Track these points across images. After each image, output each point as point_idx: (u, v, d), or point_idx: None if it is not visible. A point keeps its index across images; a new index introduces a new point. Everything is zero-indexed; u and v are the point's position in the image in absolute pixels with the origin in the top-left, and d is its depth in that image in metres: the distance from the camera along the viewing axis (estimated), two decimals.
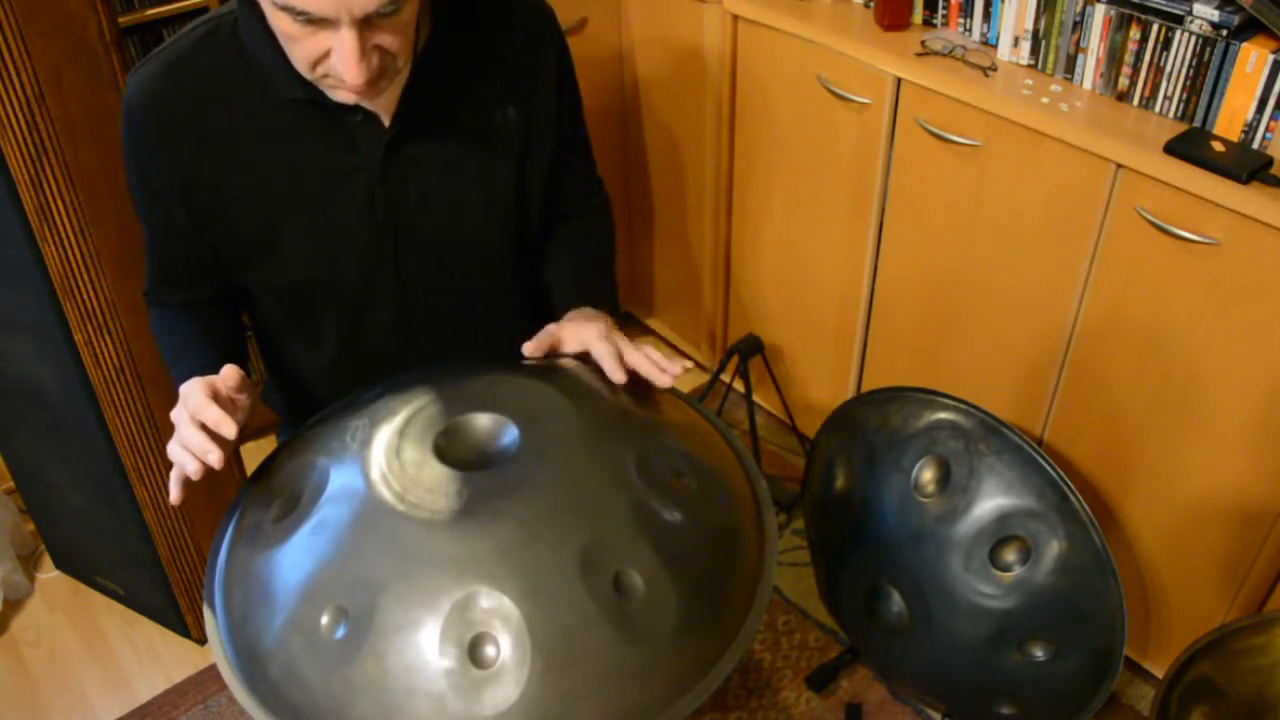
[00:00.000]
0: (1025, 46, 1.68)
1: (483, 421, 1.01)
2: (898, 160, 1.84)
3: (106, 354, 1.69)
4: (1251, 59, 1.41)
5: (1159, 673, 1.90)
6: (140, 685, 2.01)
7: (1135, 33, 1.52)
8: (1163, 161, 1.47)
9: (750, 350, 2.22)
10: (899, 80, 1.75)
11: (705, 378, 2.58)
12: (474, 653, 0.86)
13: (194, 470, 0.98)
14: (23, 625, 2.13)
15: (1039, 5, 1.62)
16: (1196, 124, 1.51)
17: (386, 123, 1.11)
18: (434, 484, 0.94)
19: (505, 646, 0.85)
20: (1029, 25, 1.65)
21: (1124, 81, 1.57)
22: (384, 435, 0.99)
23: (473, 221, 1.20)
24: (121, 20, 1.96)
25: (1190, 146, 1.46)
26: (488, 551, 0.89)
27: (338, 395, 1.17)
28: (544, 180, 1.25)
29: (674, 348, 2.72)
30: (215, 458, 0.98)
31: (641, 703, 0.87)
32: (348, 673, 0.86)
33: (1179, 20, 1.47)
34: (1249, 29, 1.44)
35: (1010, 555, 1.62)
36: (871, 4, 1.87)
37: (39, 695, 2.00)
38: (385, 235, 1.17)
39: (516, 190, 1.22)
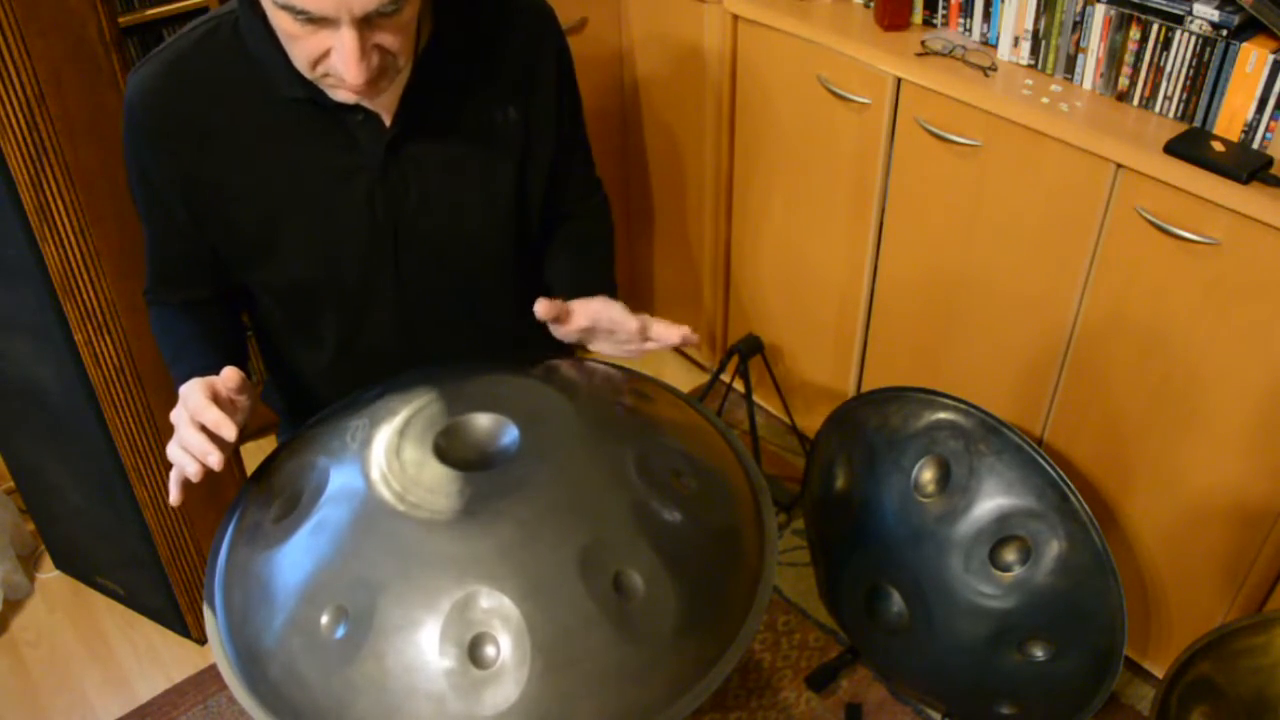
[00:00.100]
0: (1025, 46, 1.68)
1: (483, 421, 1.01)
2: (898, 160, 1.84)
3: (106, 354, 1.69)
4: (1251, 59, 1.41)
5: (1159, 673, 1.90)
6: (140, 685, 2.01)
7: (1135, 33, 1.52)
8: (1163, 161, 1.47)
9: (750, 350, 2.22)
10: (899, 80, 1.75)
11: (705, 378, 2.58)
12: (474, 653, 0.86)
13: (194, 472, 0.98)
14: (23, 625, 2.13)
15: (1039, 5, 1.62)
16: (1196, 124, 1.51)
17: (387, 122, 1.11)
18: (434, 484, 0.94)
19: (505, 646, 0.85)
20: (1029, 25, 1.65)
21: (1124, 81, 1.57)
22: (384, 435, 0.99)
23: (473, 221, 1.20)
24: (121, 20, 1.96)
25: (1190, 146, 1.46)
26: (488, 551, 0.89)
27: (338, 395, 1.17)
28: (544, 180, 1.25)
29: (674, 348, 2.72)
30: (215, 459, 0.98)
31: (641, 703, 0.87)
32: (348, 673, 0.86)
33: (1179, 20, 1.47)
34: (1249, 29, 1.44)
35: (1010, 555, 1.62)
36: (871, 4, 1.87)
37: (39, 695, 2.00)
38: (385, 235, 1.17)
39: (517, 190, 1.22)
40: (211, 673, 2.01)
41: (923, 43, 1.76)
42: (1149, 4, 1.50)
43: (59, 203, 1.54)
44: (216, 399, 1.01)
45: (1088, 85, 1.62)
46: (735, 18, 1.99)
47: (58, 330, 1.66)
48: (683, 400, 1.18)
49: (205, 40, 1.09)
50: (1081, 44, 1.60)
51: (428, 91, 1.12)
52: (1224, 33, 1.43)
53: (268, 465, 1.09)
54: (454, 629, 0.86)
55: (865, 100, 1.83)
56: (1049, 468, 1.58)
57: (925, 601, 1.68)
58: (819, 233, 2.07)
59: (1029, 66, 1.69)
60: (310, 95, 1.07)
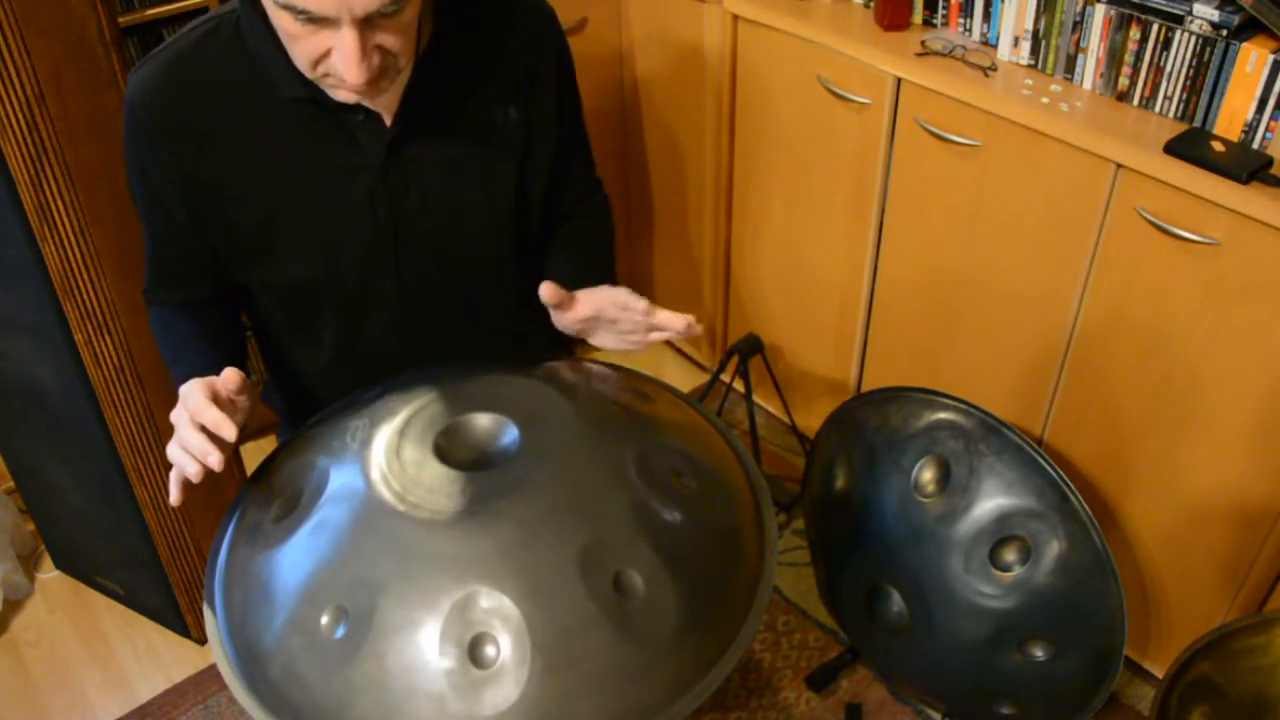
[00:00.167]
0: (1025, 46, 1.68)
1: (483, 421, 1.01)
2: (898, 160, 1.84)
3: (106, 354, 1.69)
4: (1251, 59, 1.41)
5: (1159, 673, 1.90)
6: (140, 685, 2.01)
7: (1135, 33, 1.52)
8: (1163, 161, 1.47)
9: (750, 350, 2.22)
10: (899, 80, 1.75)
11: (705, 378, 2.58)
12: (474, 653, 0.86)
13: (194, 472, 0.98)
14: (23, 625, 2.13)
15: (1039, 5, 1.62)
16: (1196, 124, 1.51)
17: (388, 122, 1.11)
18: (434, 484, 0.94)
19: (505, 646, 0.85)
20: (1029, 25, 1.65)
21: (1124, 81, 1.57)
22: (384, 435, 0.99)
23: (473, 221, 1.20)
24: (121, 20, 1.96)
25: (1190, 146, 1.46)
26: (488, 551, 0.89)
27: (338, 395, 1.17)
28: (544, 180, 1.25)
29: (674, 347, 2.72)
30: (215, 460, 0.98)
31: (641, 703, 0.87)
32: (348, 673, 0.86)
33: (1179, 20, 1.47)
34: (1249, 29, 1.44)
35: (1010, 555, 1.62)
36: (871, 4, 1.87)
37: (39, 695, 2.00)
38: (386, 235, 1.17)
39: (517, 190, 1.22)
40: (211, 673, 2.01)
41: (923, 43, 1.76)
42: (1149, 4, 1.50)
43: (59, 203, 1.54)
44: (217, 399, 1.01)
45: (1088, 85, 1.62)
46: (735, 18, 1.99)
47: (58, 330, 1.66)
48: (683, 400, 1.18)
49: (205, 40, 1.09)
50: (1081, 44, 1.60)
51: (428, 91, 1.12)
52: (1224, 33, 1.43)
53: (268, 465, 1.09)
54: (454, 629, 0.86)
55: (865, 100, 1.83)
56: (1049, 468, 1.58)
57: (925, 601, 1.68)
58: (819, 233, 2.07)
59: (1029, 66, 1.69)
60: (311, 95, 1.07)
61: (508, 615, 0.86)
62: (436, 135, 1.14)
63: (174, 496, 1.00)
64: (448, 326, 1.28)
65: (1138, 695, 1.91)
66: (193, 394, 1.01)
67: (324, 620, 0.89)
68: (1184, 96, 1.51)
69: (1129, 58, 1.55)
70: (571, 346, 1.44)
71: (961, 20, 1.77)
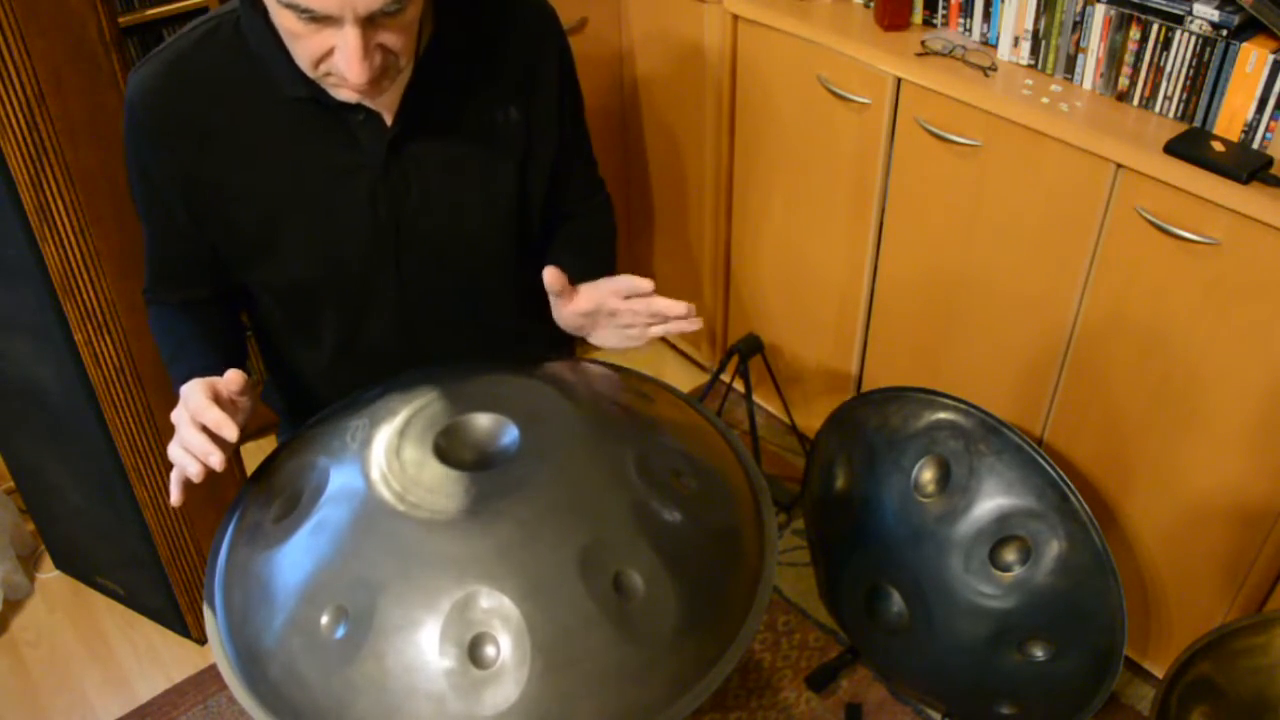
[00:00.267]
0: (1025, 46, 1.68)
1: (483, 421, 1.01)
2: (898, 160, 1.84)
3: (106, 354, 1.69)
4: (1251, 59, 1.41)
5: (1159, 673, 1.90)
6: (140, 685, 2.01)
7: (1135, 33, 1.52)
8: (1163, 161, 1.47)
9: (750, 350, 2.22)
10: (899, 80, 1.75)
11: (705, 378, 2.58)
12: (474, 653, 0.86)
13: (195, 472, 0.98)
14: (23, 625, 2.13)
15: (1039, 5, 1.62)
16: (1196, 124, 1.51)
17: (389, 122, 1.11)
18: (434, 484, 0.94)
19: (505, 646, 0.85)
20: (1029, 25, 1.65)
21: (1124, 81, 1.57)
22: (384, 435, 0.99)
23: (474, 221, 1.20)
24: (121, 20, 1.96)
25: (1190, 146, 1.46)
26: (488, 551, 0.89)
27: (338, 395, 1.17)
28: (545, 180, 1.25)
29: (674, 347, 2.72)
30: (216, 459, 0.98)
31: (641, 703, 0.87)
32: (348, 673, 0.86)
33: (1179, 20, 1.47)
34: (1249, 29, 1.44)
35: (1010, 555, 1.62)
36: (871, 4, 1.87)
37: (39, 695, 2.00)
38: (387, 234, 1.17)
39: (518, 190, 1.22)
40: (211, 673, 2.01)
41: (923, 43, 1.76)
42: (1149, 4, 1.50)
43: (59, 203, 1.54)
44: (218, 399, 1.01)
45: (1088, 85, 1.62)
46: (735, 17, 1.99)
47: (58, 330, 1.66)
48: (683, 400, 1.18)
49: (206, 40, 1.09)
50: (1081, 44, 1.60)
51: (429, 91, 1.12)
52: (1224, 33, 1.43)
53: (268, 465, 1.09)
54: (454, 629, 0.86)
55: (865, 100, 1.83)
56: (1049, 468, 1.58)
57: (925, 601, 1.68)
58: (819, 233, 2.07)
59: (1029, 66, 1.69)
60: (312, 94, 1.07)
61: (508, 615, 0.86)
62: (437, 135, 1.14)
63: (175, 496, 1.00)
64: (448, 326, 1.28)
65: (1138, 695, 1.91)
66: (194, 394, 1.01)
67: (324, 620, 0.89)
68: (1184, 96, 1.51)
69: (1129, 58, 1.55)
70: (572, 346, 1.44)
71: (961, 20, 1.77)
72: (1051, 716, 1.66)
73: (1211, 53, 1.45)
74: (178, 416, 1.02)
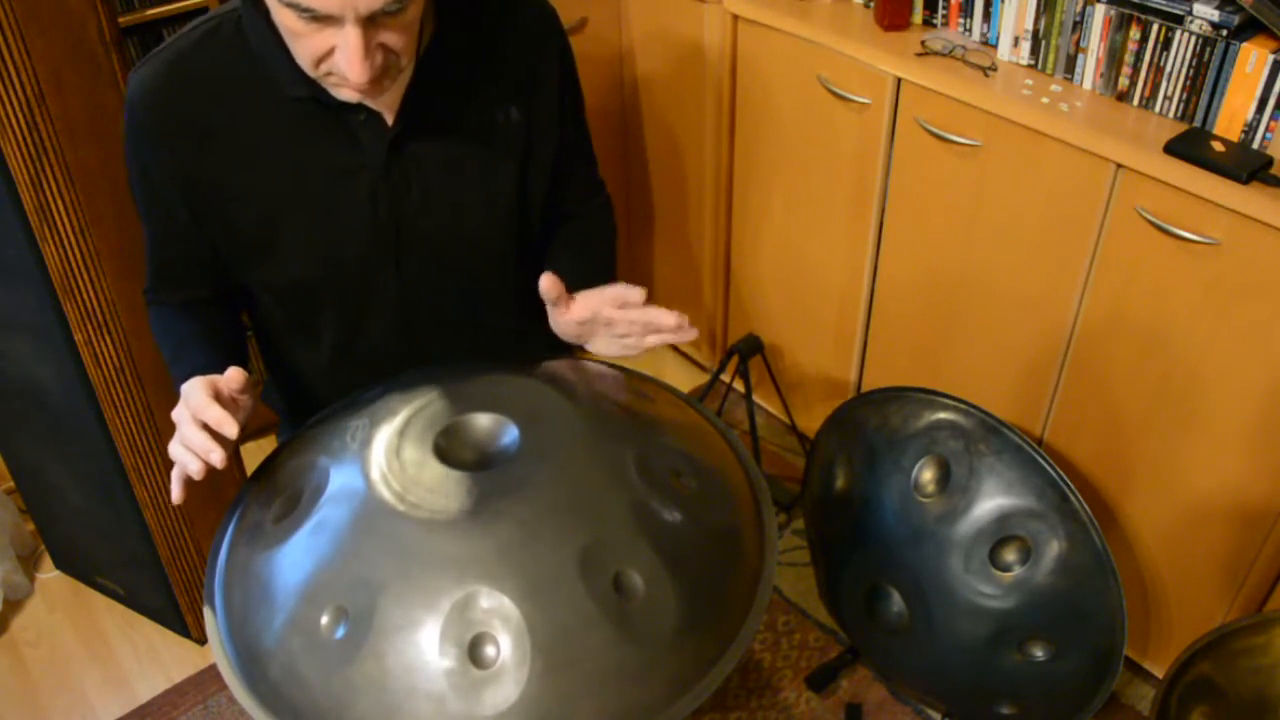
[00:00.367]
0: (1025, 46, 1.68)
1: (483, 421, 1.01)
2: (898, 160, 1.84)
3: (106, 354, 1.69)
4: (1251, 59, 1.41)
5: (1159, 673, 1.90)
6: (140, 685, 2.01)
7: (1135, 33, 1.52)
8: (1163, 161, 1.47)
9: (750, 350, 2.22)
10: (899, 80, 1.75)
11: (705, 378, 2.58)
12: (474, 653, 0.86)
13: (196, 470, 0.98)
14: (23, 625, 2.13)
15: (1039, 5, 1.62)
16: (1196, 124, 1.51)
17: (390, 121, 1.11)
18: (434, 484, 0.94)
19: (505, 646, 0.85)
20: (1029, 25, 1.65)
21: (1124, 81, 1.57)
22: (384, 435, 0.99)
23: (474, 221, 1.21)
24: (121, 20, 1.96)
25: (1190, 146, 1.46)
26: (488, 551, 0.89)
27: (338, 395, 1.17)
28: (546, 180, 1.25)
29: (674, 348, 2.72)
30: (218, 457, 0.98)
31: (641, 703, 0.87)
32: (348, 673, 0.86)
33: (1179, 20, 1.47)
34: (1249, 29, 1.44)
35: (1010, 555, 1.62)
36: (871, 4, 1.87)
37: (39, 695, 2.00)
38: (387, 234, 1.17)
39: (518, 190, 1.22)
40: (211, 673, 2.01)
41: (923, 43, 1.76)
42: (1149, 4, 1.50)
43: (59, 203, 1.54)
44: (219, 397, 1.01)
45: (1088, 85, 1.62)
46: (735, 17, 1.99)
47: (58, 330, 1.66)
48: (683, 400, 1.18)
49: (206, 39, 1.09)
50: (1081, 44, 1.60)
51: (430, 91, 1.12)
52: (1224, 33, 1.43)
53: (268, 465, 1.09)
54: (454, 629, 0.86)
55: (865, 100, 1.83)
56: (1049, 468, 1.58)
57: (925, 601, 1.68)
58: (819, 233, 2.07)
59: (1029, 66, 1.69)
60: (313, 94, 1.07)
61: (508, 615, 0.86)
62: (438, 135, 1.14)
63: (176, 494, 1.00)
64: (448, 326, 1.28)
65: (1138, 695, 1.91)
66: (195, 392, 1.01)
67: (324, 620, 0.89)
68: (1184, 96, 1.51)
69: (1129, 58, 1.55)
70: (571, 347, 1.44)
71: (961, 20, 1.77)
72: (1051, 716, 1.66)
73: (1211, 53, 1.45)
74: (179, 414, 1.02)
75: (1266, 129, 1.44)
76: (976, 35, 1.76)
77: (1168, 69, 1.51)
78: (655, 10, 2.19)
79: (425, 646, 0.85)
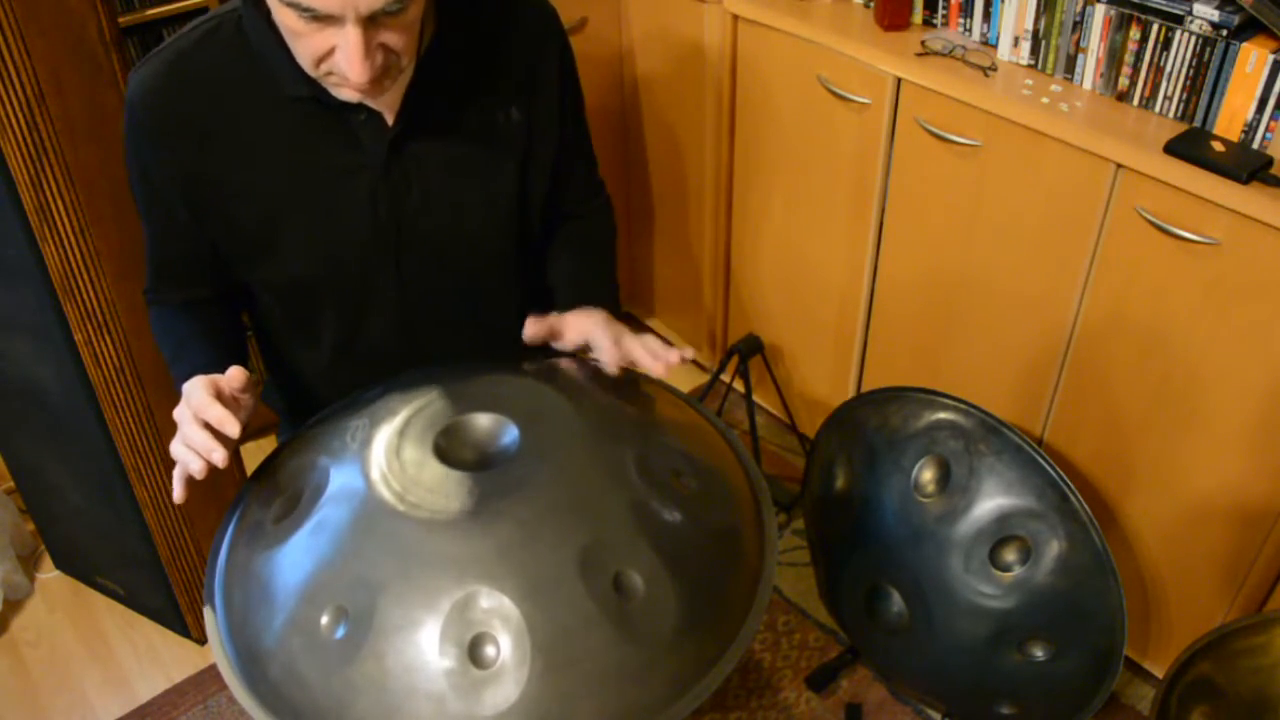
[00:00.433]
0: (1025, 46, 1.68)
1: (483, 421, 1.01)
2: (898, 160, 1.84)
3: (106, 354, 1.69)
4: (1251, 59, 1.41)
5: (1159, 673, 1.90)
6: (140, 685, 2.01)
7: (1135, 33, 1.52)
8: (1163, 161, 1.47)
9: (750, 350, 2.22)
10: (899, 80, 1.75)
11: (705, 378, 2.58)
12: (474, 653, 0.86)
13: (198, 469, 0.98)
14: (23, 625, 2.13)
15: (1039, 5, 1.62)
16: (1196, 124, 1.51)
17: (390, 121, 1.11)
18: (434, 484, 0.94)
19: (505, 646, 0.85)
20: (1029, 25, 1.65)
21: (1124, 81, 1.58)
22: (384, 435, 0.99)
23: (474, 221, 1.21)
24: (121, 20, 1.96)
25: (1190, 146, 1.46)
26: (488, 551, 0.89)
27: (338, 395, 1.17)
28: (546, 181, 1.25)
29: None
30: (220, 456, 0.98)
31: (641, 703, 0.87)
32: (348, 673, 0.86)
33: (1179, 20, 1.47)
34: (1249, 29, 1.44)
35: (1010, 555, 1.62)
36: (871, 4, 1.87)
37: (39, 695, 2.00)
38: (387, 234, 1.17)
39: (519, 190, 1.22)
40: (211, 673, 2.01)
41: (923, 43, 1.76)
42: (1149, 4, 1.50)
43: (59, 203, 1.54)
44: (220, 396, 1.02)
45: (1088, 85, 1.62)
46: (735, 17, 1.99)
47: (58, 330, 1.66)
48: (683, 400, 1.18)
49: (207, 39, 1.09)
50: (1081, 44, 1.60)
51: (430, 91, 1.12)
52: (1224, 33, 1.43)
53: (268, 465, 1.09)
54: (454, 629, 0.86)
55: (865, 100, 1.83)
56: (1049, 468, 1.58)
57: (925, 601, 1.68)
58: (819, 233, 2.07)
59: (1029, 66, 1.69)
60: (313, 94, 1.07)
61: (508, 615, 0.86)
62: (438, 135, 1.15)
63: (177, 493, 1.00)
64: (448, 326, 1.28)
65: (1138, 695, 1.91)
66: (196, 391, 1.02)
67: (324, 620, 0.89)
68: (1184, 96, 1.51)
69: (1129, 58, 1.55)
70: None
71: (961, 20, 1.77)
72: (1051, 716, 1.66)
73: (1211, 53, 1.45)
74: (180, 414, 1.02)
75: (1266, 129, 1.44)
76: (976, 35, 1.76)
77: (1168, 69, 1.51)
78: (655, 10, 2.19)
79: (425, 646, 0.85)
